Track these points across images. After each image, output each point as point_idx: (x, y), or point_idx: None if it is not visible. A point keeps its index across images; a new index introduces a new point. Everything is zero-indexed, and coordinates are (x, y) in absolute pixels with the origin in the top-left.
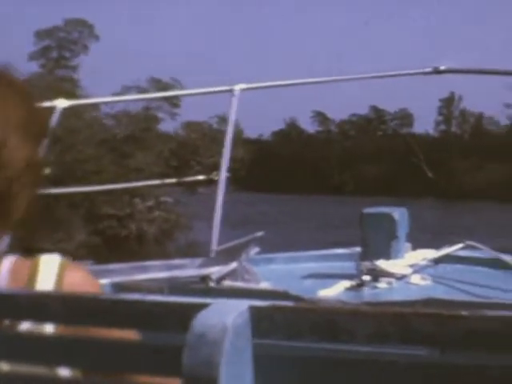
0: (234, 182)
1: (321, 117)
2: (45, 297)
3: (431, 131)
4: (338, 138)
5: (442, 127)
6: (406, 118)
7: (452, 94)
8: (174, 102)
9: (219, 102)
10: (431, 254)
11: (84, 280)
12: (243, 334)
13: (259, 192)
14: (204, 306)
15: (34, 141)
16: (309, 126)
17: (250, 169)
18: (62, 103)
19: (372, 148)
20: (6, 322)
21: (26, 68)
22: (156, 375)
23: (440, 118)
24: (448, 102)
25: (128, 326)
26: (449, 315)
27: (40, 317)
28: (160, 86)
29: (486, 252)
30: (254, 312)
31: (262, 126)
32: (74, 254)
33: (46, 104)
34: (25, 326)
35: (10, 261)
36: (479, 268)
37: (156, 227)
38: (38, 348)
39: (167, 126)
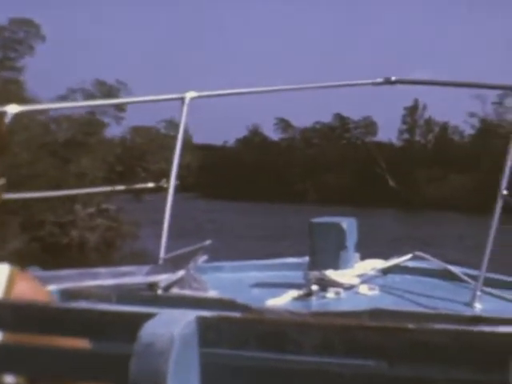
0: (194, 188)
1: (284, 124)
2: None
3: (394, 140)
4: (300, 146)
5: (406, 136)
6: (369, 126)
7: (416, 101)
8: (119, 106)
9: (167, 107)
10: (380, 264)
11: (34, 290)
12: (190, 344)
13: (221, 199)
14: (152, 315)
15: None
16: (272, 134)
17: (212, 175)
18: (13, 108)
19: (335, 156)
20: None
21: None
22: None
23: (404, 126)
24: (412, 111)
25: (77, 335)
26: (394, 327)
27: None
28: (105, 88)
29: (434, 263)
30: (201, 322)
31: (227, 133)
32: (8, 260)
33: None
34: None
35: None
36: (427, 279)
37: (98, 235)
38: None
39: (113, 130)
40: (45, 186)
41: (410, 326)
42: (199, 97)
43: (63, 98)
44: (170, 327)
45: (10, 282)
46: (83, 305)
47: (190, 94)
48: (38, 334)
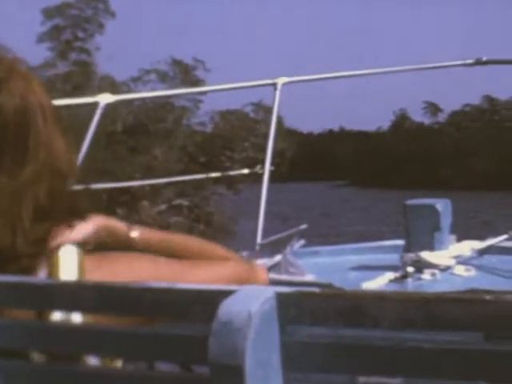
0: (346, 176)
1: (433, 107)
2: (76, 286)
3: None
4: (449, 130)
5: None
6: None
7: None
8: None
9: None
10: (476, 245)
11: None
12: (269, 321)
13: (371, 187)
14: (231, 292)
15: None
16: (420, 118)
17: (363, 162)
18: (104, 98)
19: (483, 140)
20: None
21: (34, 52)
22: (183, 363)
23: None
24: None
25: (156, 314)
26: (473, 299)
27: (71, 306)
28: (182, 68)
29: None
30: (281, 298)
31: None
32: None
33: (89, 99)
34: (57, 315)
35: None
36: None
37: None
38: (70, 337)
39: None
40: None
41: (488, 297)
42: (290, 82)
43: (136, 80)
44: (248, 304)
45: (81, 269)
46: (163, 284)
47: (281, 80)
48: (118, 315)
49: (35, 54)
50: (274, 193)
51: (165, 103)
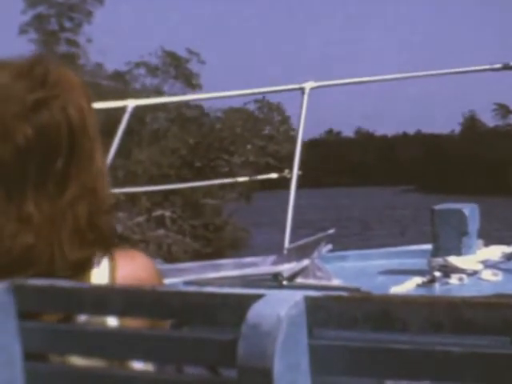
0: (411, 181)
1: (503, 109)
2: (105, 290)
3: None
4: None
5: None
6: None
7: None
8: (192, 82)
9: (248, 81)
10: (503, 250)
11: (139, 271)
12: (298, 324)
13: (437, 192)
14: (260, 296)
15: None
16: (489, 121)
17: (431, 166)
18: (133, 102)
19: None
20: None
21: (15, 45)
22: (211, 366)
23: None
24: None
25: (185, 318)
26: (501, 303)
27: (100, 310)
28: (174, 60)
29: None
30: (309, 302)
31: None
32: None
33: (117, 103)
34: (82, 318)
35: None
36: None
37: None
38: (99, 341)
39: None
40: None
41: None
42: (318, 87)
43: (123, 75)
44: (277, 308)
45: (113, 265)
46: (191, 288)
47: (309, 85)
48: (147, 318)
49: (16, 46)
50: (345, 197)
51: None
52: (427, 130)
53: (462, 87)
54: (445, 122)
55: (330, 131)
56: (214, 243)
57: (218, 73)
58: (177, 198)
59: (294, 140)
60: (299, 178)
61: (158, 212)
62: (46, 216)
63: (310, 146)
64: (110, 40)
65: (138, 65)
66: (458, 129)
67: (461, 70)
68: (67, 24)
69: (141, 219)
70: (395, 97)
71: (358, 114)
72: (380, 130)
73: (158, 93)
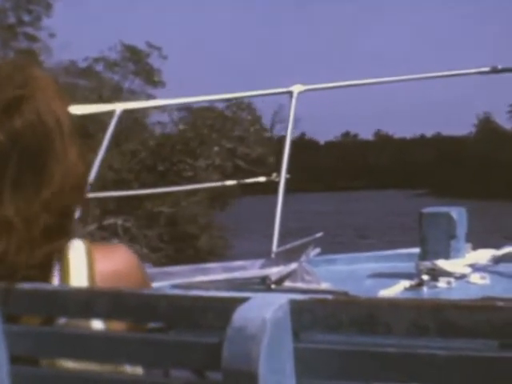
0: (423, 184)
1: None
2: (90, 293)
3: None
4: None
5: None
6: None
7: None
8: (154, 79)
9: (213, 80)
10: (491, 253)
11: (118, 266)
12: (283, 327)
13: (450, 196)
14: (245, 299)
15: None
16: (506, 123)
17: (444, 170)
18: (121, 106)
19: None
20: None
21: None
22: (196, 369)
23: None
24: None
25: (170, 321)
26: (485, 306)
27: (85, 313)
28: (134, 54)
29: None
30: (294, 305)
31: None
32: None
33: (106, 107)
34: (63, 320)
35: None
36: None
37: None
38: (83, 344)
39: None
40: None
41: (502, 304)
42: (307, 90)
43: (83, 72)
44: (262, 311)
45: (90, 260)
46: (177, 291)
47: (297, 88)
48: (133, 321)
49: None
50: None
51: (115, 97)
52: (445, 132)
53: (477, 89)
54: (462, 124)
55: (347, 133)
56: (186, 253)
57: (180, 69)
58: (130, 205)
59: (265, 142)
60: (287, 181)
61: (111, 220)
62: (22, 218)
63: (325, 148)
64: (70, 34)
65: (96, 60)
66: (474, 130)
67: (449, 73)
68: (26, 18)
69: (92, 227)
70: (414, 97)
71: (376, 117)
72: (399, 133)
73: (117, 90)
